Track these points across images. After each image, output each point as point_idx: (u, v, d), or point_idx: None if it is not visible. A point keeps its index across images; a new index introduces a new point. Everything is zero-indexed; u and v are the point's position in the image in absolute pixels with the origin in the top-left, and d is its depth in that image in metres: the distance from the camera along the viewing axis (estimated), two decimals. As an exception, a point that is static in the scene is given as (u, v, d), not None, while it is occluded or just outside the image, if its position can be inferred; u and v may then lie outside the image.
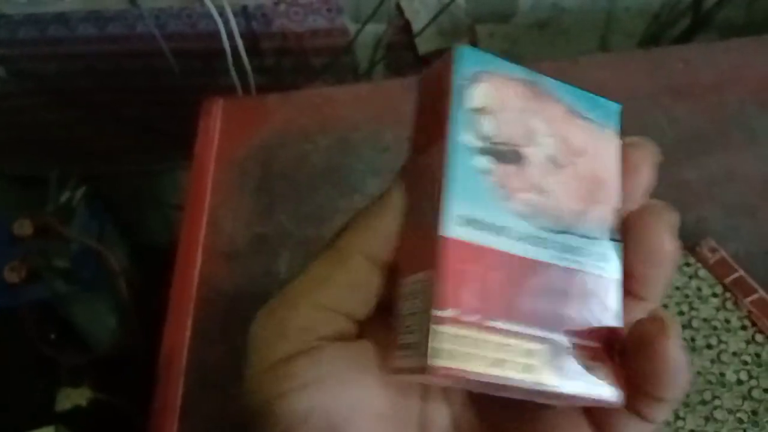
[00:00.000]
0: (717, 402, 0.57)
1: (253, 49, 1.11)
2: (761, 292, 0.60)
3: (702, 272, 0.61)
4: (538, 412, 0.26)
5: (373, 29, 1.13)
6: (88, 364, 1.21)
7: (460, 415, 0.27)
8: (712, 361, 0.59)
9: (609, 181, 0.26)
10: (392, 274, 0.26)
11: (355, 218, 0.26)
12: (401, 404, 0.26)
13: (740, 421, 0.56)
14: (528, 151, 0.25)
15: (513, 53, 1.13)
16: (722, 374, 0.58)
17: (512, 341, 0.23)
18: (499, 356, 0.22)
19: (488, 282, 0.23)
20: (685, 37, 1.10)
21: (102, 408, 1.18)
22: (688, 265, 0.61)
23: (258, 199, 0.71)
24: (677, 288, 0.61)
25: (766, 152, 0.69)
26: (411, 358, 0.23)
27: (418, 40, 1.15)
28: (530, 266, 0.24)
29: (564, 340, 0.24)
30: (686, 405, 0.57)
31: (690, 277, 0.61)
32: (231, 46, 1.04)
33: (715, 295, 0.61)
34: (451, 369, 0.22)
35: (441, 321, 0.22)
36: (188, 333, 0.63)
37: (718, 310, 0.60)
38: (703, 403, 0.57)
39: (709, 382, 0.58)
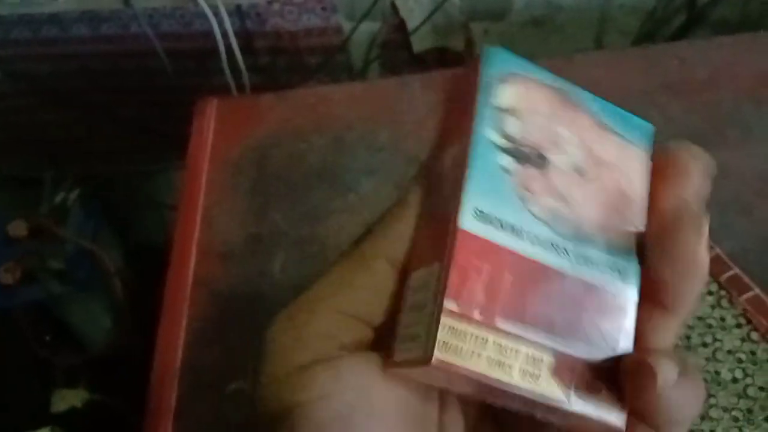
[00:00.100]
0: (712, 400, 0.57)
1: (247, 48, 1.11)
2: (756, 290, 0.60)
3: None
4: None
5: (368, 28, 1.13)
6: (83, 364, 1.21)
7: (475, 428, 0.27)
8: (707, 359, 0.59)
9: (635, 200, 0.25)
10: (405, 275, 0.25)
11: (378, 222, 0.26)
12: (420, 415, 0.25)
13: (735, 419, 0.56)
14: (552, 157, 0.25)
15: (508, 51, 1.12)
16: (717, 372, 0.58)
17: (517, 346, 0.22)
18: (501, 359, 0.22)
19: (498, 281, 0.22)
20: (680, 35, 1.10)
21: (97, 409, 1.18)
22: (683, 263, 0.61)
23: (252, 198, 0.71)
24: (673, 286, 0.61)
25: (761, 149, 0.69)
26: (413, 350, 0.23)
27: (413, 39, 1.14)
28: (543, 272, 0.23)
29: (572, 354, 0.23)
30: (682, 403, 0.57)
31: (685, 275, 0.61)
32: (225, 45, 1.04)
33: (710, 292, 0.61)
34: (451, 364, 0.21)
35: (446, 313, 0.22)
36: (183, 333, 0.62)
37: (713, 307, 0.60)
38: (699, 401, 0.57)
39: (704, 381, 0.58)
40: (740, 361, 0.58)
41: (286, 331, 0.25)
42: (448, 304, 0.22)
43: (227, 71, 1.07)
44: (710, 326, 0.60)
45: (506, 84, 0.25)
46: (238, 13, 1.09)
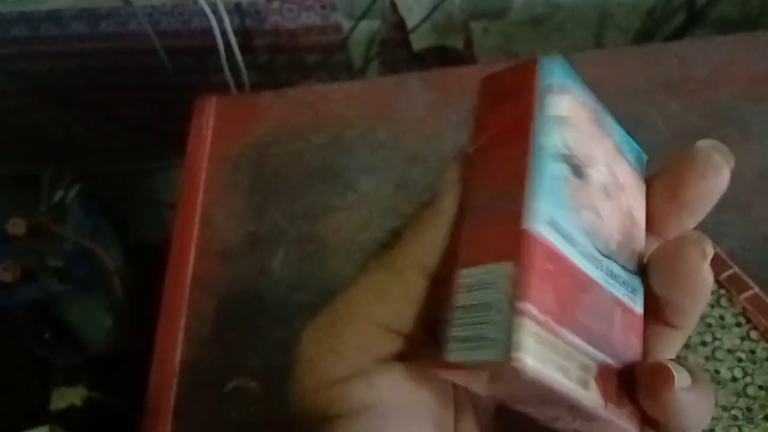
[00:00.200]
0: (712, 398, 0.57)
1: (246, 46, 1.11)
2: (756, 289, 0.60)
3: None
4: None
5: (367, 26, 1.13)
6: (82, 363, 1.20)
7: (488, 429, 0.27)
8: (707, 358, 0.59)
9: (639, 224, 0.26)
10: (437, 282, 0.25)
11: (408, 227, 0.26)
12: (442, 423, 0.26)
13: (735, 418, 0.56)
14: (590, 171, 0.25)
15: (507, 49, 1.12)
16: (717, 371, 0.58)
17: (575, 352, 0.23)
18: (564, 363, 0.22)
19: (560, 287, 0.23)
20: (680, 33, 1.10)
21: (96, 407, 1.18)
22: (682, 261, 0.61)
23: (251, 197, 0.71)
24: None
25: (760, 147, 0.69)
26: (481, 352, 0.22)
27: (412, 37, 1.14)
28: (588, 283, 0.24)
29: (606, 363, 0.24)
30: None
31: (684, 274, 0.61)
32: (224, 43, 1.04)
33: (709, 291, 0.61)
34: (532, 367, 0.21)
35: (524, 314, 0.21)
36: (181, 332, 0.62)
37: (712, 307, 0.60)
38: (698, 399, 0.57)
39: (704, 379, 0.57)
40: (740, 359, 0.58)
41: (321, 342, 0.25)
42: (529, 307, 0.21)
43: (226, 69, 1.06)
44: (710, 325, 0.60)
45: (561, 95, 0.25)
46: (237, 10, 1.09)
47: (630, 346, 0.25)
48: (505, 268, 0.22)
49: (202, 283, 0.65)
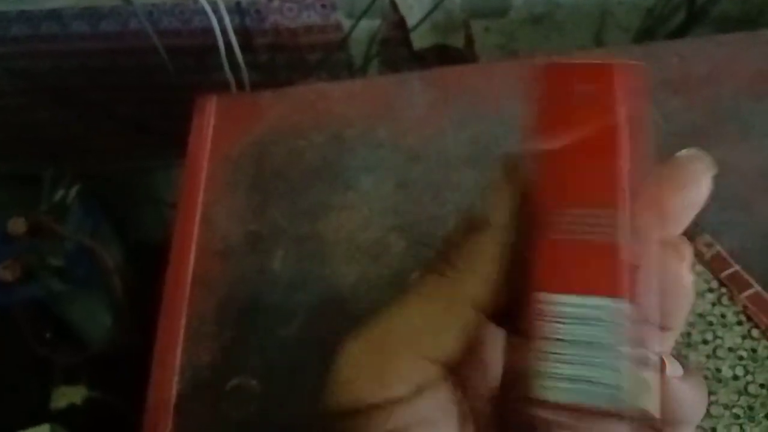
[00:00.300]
0: (713, 397, 0.57)
1: (246, 45, 1.11)
2: (757, 287, 0.60)
3: (698, 267, 0.61)
4: None
5: (368, 25, 1.13)
6: (82, 362, 1.21)
7: None
8: (708, 357, 0.58)
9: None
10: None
11: (461, 254, 0.25)
12: None
13: (736, 416, 0.56)
14: None
15: (508, 48, 1.12)
16: (718, 370, 0.58)
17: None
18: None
19: None
20: (680, 32, 1.10)
21: (97, 406, 1.18)
22: (683, 260, 0.61)
23: (252, 196, 0.71)
24: (673, 283, 0.61)
25: (761, 145, 0.69)
26: (590, 394, 0.21)
27: (413, 36, 1.14)
28: None
29: None
30: (682, 400, 0.57)
31: (685, 272, 0.61)
32: (225, 42, 1.04)
33: (710, 290, 0.61)
34: (654, 410, 0.20)
35: (654, 367, 0.21)
36: (182, 331, 0.62)
37: (713, 305, 0.60)
38: (699, 398, 0.57)
39: (705, 378, 0.57)
40: (741, 358, 0.58)
41: (363, 368, 0.25)
42: (660, 358, 0.21)
43: (227, 68, 1.06)
44: (711, 324, 0.60)
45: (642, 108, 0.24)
46: (237, 10, 1.09)
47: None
48: (620, 306, 0.21)
49: (203, 282, 0.65)
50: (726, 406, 0.56)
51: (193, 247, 0.67)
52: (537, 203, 0.23)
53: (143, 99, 1.28)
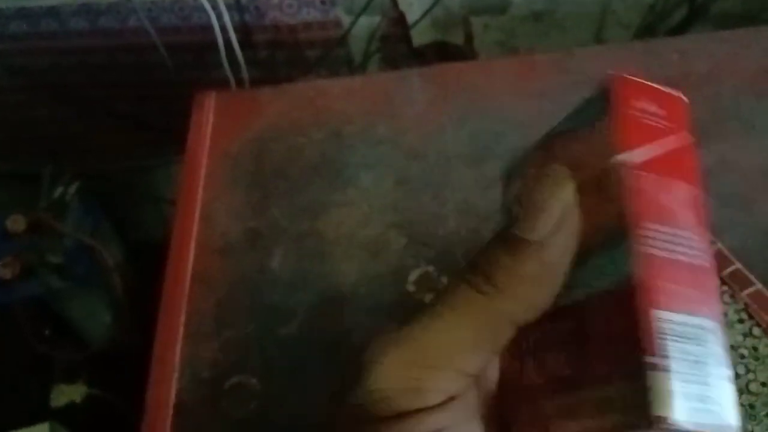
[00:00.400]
0: (714, 395, 0.56)
1: (246, 42, 1.11)
2: (758, 285, 0.60)
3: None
4: None
5: (367, 21, 1.13)
6: (82, 360, 1.20)
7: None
8: (709, 354, 0.58)
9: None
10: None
11: (507, 274, 0.24)
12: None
13: (737, 414, 0.56)
14: None
15: (508, 45, 1.12)
16: (719, 367, 0.58)
17: None
18: None
19: None
20: (681, 29, 1.09)
21: (97, 404, 1.18)
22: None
23: (251, 193, 0.70)
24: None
25: (762, 143, 0.69)
26: (706, 414, 0.21)
27: (412, 33, 1.14)
28: None
29: None
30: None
31: (686, 270, 0.61)
32: (224, 39, 1.04)
33: (711, 287, 0.60)
34: None
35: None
36: (181, 329, 0.62)
37: (714, 302, 0.60)
38: (700, 396, 0.56)
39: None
40: (742, 356, 0.58)
41: (401, 381, 0.25)
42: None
43: (226, 65, 1.06)
44: (711, 321, 0.59)
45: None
46: (236, 6, 1.08)
47: None
48: (716, 326, 0.22)
49: (202, 279, 0.65)
50: (727, 404, 0.56)
51: (193, 245, 0.67)
52: (629, 216, 0.23)
53: (142, 96, 1.28)
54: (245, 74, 1.09)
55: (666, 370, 0.21)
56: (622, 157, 0.23)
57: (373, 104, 0.75)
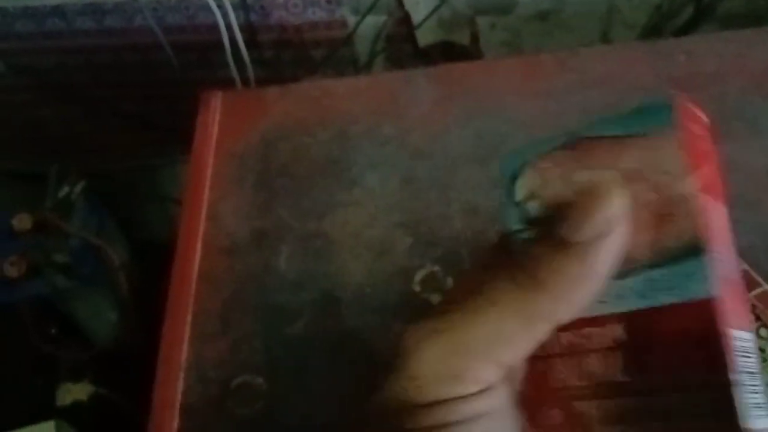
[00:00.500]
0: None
1: (251, 41, 1.11)
2: (765, 286, 0.59)
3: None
4: None
5: (373, 21, 1.13)
6: (88, 359, 1.21)
7: None
8: (715, 355, 0.58)
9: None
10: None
11: (553, 274, 0.25)
12: None
13: (743, 415, 0.56)
14: None
15: (514, 45, 1.12)
16: (725, 368, 0.57)
17: None
18: None
19: None
20: (687, 29, 1.09)
21: (102, 403, 1.18)
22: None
23: (257, 192, 0.71)
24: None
25: (769, 144, 0.69)
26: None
27: (418, 33, 1.14)
28: None
29: None
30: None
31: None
32: (230, 38, 1.04)
33: (718, 288, 0.60)
34: None
35: None
36: (187, 328, 0.62)
37: (721, 303, 0.60)
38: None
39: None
40: (748, 357, 0.58)
41: (441, 370, 0.26)
42: None
43: (232, 64, 1.06)
44: (718, 322, 0.59)
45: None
46: (242, 6, 1.09)
47: None
48: (752, 339, 0.23)
49: (208, 279, 0.65)
50: (733, 405, 0.56)
51: (199, 244, 0.67)
52: (703, 239, 0.24)
53: (148, 95, 1.28)
54: (251, 74, 1.09)
55: (743, 383, 0.23)
56: (692, 179, 0.24)
57: (378, 104, 0.75)
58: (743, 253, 0.60)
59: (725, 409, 0.22)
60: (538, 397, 0.28)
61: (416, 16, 1.11)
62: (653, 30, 1.12)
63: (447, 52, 1.16)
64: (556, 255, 0.25)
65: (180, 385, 0.60)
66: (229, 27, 1.03)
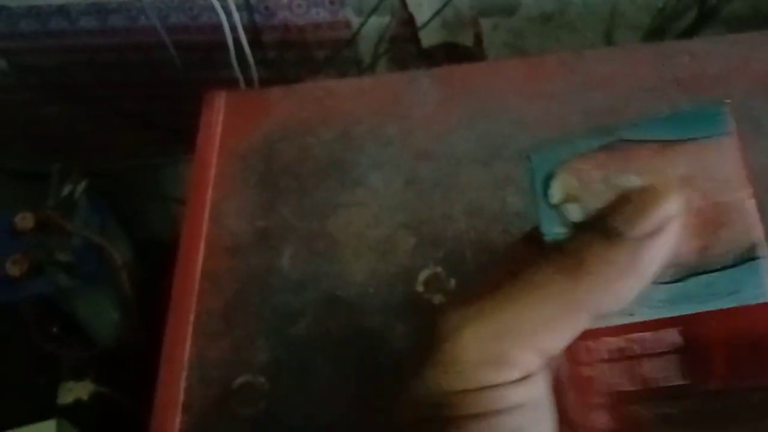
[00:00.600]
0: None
1: (255, 41, 1.11)
2: None
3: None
4: None
5: (377, 22, 1.13)
6: (90, 358, 1.21)
7: None
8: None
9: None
10: None
11: (602, 265, 0.25)
12: None
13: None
14: None
15: (517, 46, 1.12)
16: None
17: None
18: None
19: None
20: (691, 31, 1.09)
21: (104, 402, 1.18)
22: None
23: (260, 192, 0.71)
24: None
25: (773, 146, 0.68)
26: None
27: (421, 34, 1.14)
28: None
29: None
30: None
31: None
32: (233, 38, 1.04)
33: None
34: None
35: None
36: (190, 327, 0.62)
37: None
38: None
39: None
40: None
41: (482, 354, 0.26)
42: None
43: (235, 65, 1.06)
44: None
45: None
46: (246, 6, 1.09)
47: None
48: None
49: (211, 278, 0.65)
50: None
51: (202, 244, 0.67)
52: (760, 244, 0.25)
53: (151, 95, 1.28)
54: (254, 74, 1.09)
55: None
56: (746, 185, 0.25)
57: (382, 105, 0.75)
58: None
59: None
60: (586, 402, 0.28)
61: (420, 17, 1.11)
62: (656, 32, 1.12)
63: (450, 54, 1.16)
64: (606, 245, 0.25)
65: (182, 385, 0.60)
66: (232, 27, 1.03)
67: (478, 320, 0.26)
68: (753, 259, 0.24)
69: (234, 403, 0.58)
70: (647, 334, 0.26)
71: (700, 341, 0.25)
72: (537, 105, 0.72)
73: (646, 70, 0.74)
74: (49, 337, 1.18)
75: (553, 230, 0.26)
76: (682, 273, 0.25)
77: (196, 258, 0.66)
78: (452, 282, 0.62)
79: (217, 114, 0.76)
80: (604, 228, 0.25)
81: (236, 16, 1.03)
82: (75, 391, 1.17)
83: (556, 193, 0.26)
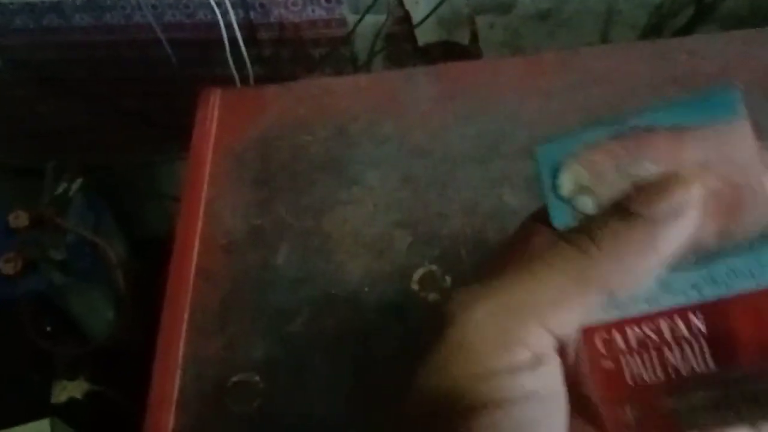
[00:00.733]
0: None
1: (251, 39, 1.11)
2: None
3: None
4: None
5: (373, 20, 1.12)
6: (84, 355, 1.20)
7: None
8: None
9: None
10: None
11: (613, 242, 0.25)
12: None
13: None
14: None
15: (513, 44, 1.12)
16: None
17: None
18: None
19: None
20: (688, 29, 1.09)
21: (98, 400, 1.18)
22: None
23: (256, 190, 0.70)
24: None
25: (770, 144, 0.68)
26: None
27: (417, 31, 1.14)
28: None
29: None
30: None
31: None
32: (229, 36, 1.04)
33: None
34: None
35: None
36: (185, 325, 0.62)
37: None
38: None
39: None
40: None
41: (487, 332, 0.25)
42: None
43: (231, 62, 1.06)
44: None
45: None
46: (242, 3, 1.08)
47: None
48: None
49: (206, 276, 0.65)
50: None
51: (197, 242, 0.67)
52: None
53: (147, 92, 1.27)
54: (250, 71, 1.09)
55: None
56: (763, 168, 0.25)
57: (378, 102, 0.75)
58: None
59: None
60: (610, 396, 0.27)
61: (416, 15, 1.11)
62: (653, 30, 1.12)
63: (446, 51, 1.15)
64: (622, 223, 0.25)
65: (177, 383, 0.59)
66: (228, 24, 1.03)
67: (486, 298, 0.25)
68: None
69: (229, 401, 0.58)
70: (670, 322, 0.25)
71: (725, 326, 0.24)
72: (534, 102, 0.72)
73: (643, 67, 0.74)
74: (43, 335, 1.18)
75: (565, 223, 0.25)
76: (703, 259, 0.24)
77: (191, 255, 0.66)
78: (447, 280, 0.62)
79: (213, 111, 0.76)
80: (621, 208, 0.25)
81: (232, 13, 1.02)
82: (69, 390, 1.17)
83: (566, 185, 0.25)
